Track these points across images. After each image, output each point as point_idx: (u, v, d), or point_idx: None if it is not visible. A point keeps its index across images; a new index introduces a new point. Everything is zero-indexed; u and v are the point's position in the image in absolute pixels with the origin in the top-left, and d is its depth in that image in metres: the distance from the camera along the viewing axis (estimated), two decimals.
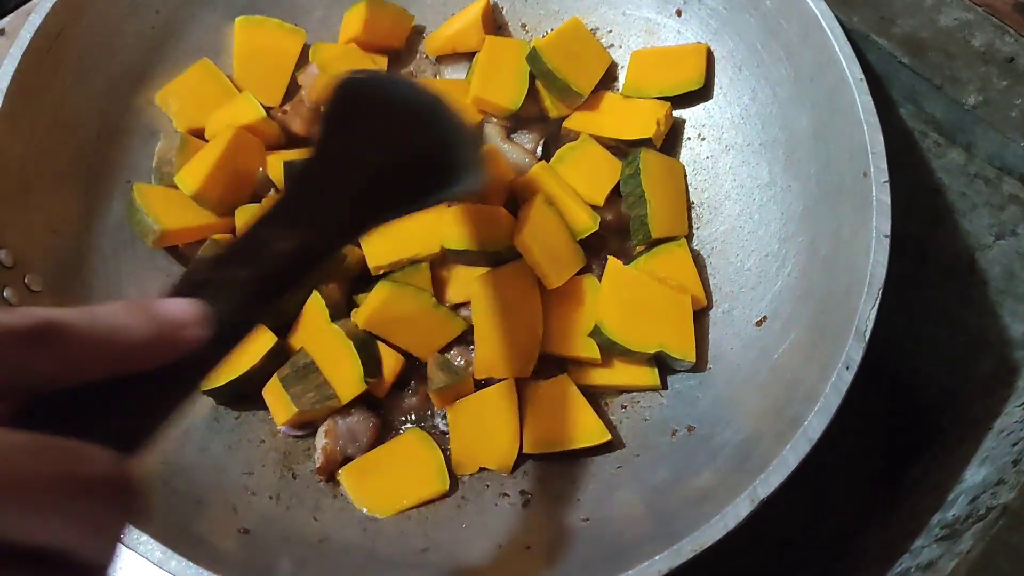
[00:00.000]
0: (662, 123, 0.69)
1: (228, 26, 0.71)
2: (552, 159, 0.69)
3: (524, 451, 0.61)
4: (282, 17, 0.73)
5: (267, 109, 0.69)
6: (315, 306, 0.62)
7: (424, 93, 0.51)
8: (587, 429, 0.61)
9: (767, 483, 0.48)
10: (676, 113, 0.72)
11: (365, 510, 0.59)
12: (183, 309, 0.30)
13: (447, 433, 0.63)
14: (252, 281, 0.35)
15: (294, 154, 0.68)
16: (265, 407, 0.62)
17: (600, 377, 0.63)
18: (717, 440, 0.57)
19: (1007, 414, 0.61)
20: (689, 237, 0.68)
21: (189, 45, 0.70)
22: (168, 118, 0.69)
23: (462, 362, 0.63)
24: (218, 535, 0.53)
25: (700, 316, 0.65)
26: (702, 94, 0.71)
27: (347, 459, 0.61)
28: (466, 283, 0.64)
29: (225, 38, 0.72)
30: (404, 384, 0.65)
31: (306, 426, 0.62)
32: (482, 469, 0.61)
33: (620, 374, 0.63)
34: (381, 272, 0.65)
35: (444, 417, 0.64)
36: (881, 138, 0.56)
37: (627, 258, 0.67)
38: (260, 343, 0.61)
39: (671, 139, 0.72)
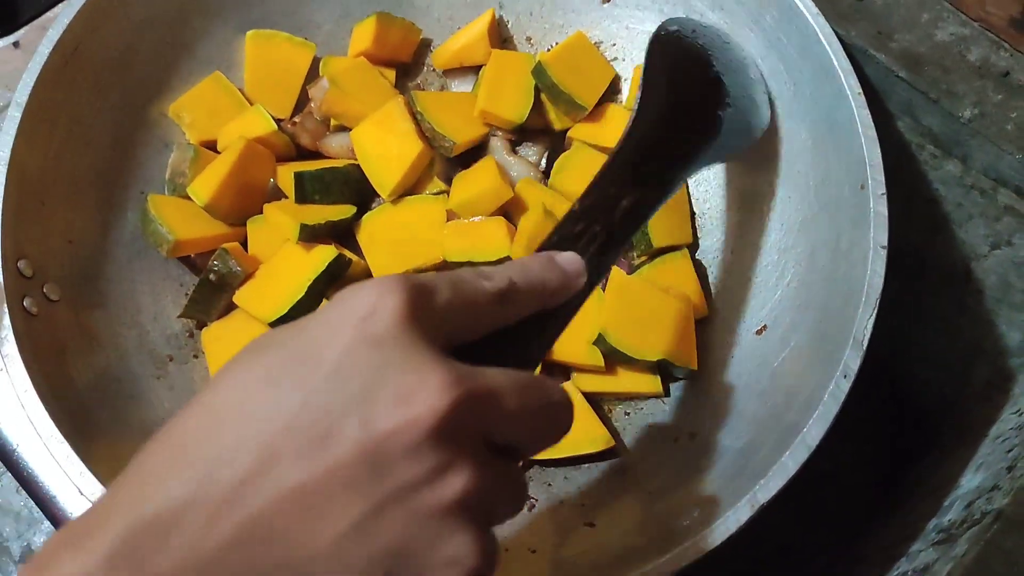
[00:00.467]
0: None
1: (239, 40, 0.73)
2: (552, 170, 0.71)
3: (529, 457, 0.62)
4: (292, 31, 0.74)
5: (277, 121, 0.71)
6: None
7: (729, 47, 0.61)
8: (591, 435, 0.62)
9: (767, 488, 0.49)
10: None
11: None
12: (573, 263, 0.40)
13: None
14: (605, 233, 0.43)
15: (304, 165, 0.69)
16: None
17: (604, 384, 0.64)
18: (718, 446, 0.58)
19: (1002, 421, 0.62)
20: (692, 247, 0.70)
21: (201, 59, 0.72)
22: (181, 130, 0.71)
23: None
24: None
25: (701, 325, 0.66)
26: None
27: None
28: None
29: (236, 52, 0.73)
30: None
31: None
32: None
33: (623, 381, 0.64)
34: None
35: None
36: (879, 151, 0.57)
37: (630, 268, 0.68)
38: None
39: None
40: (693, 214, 0.72)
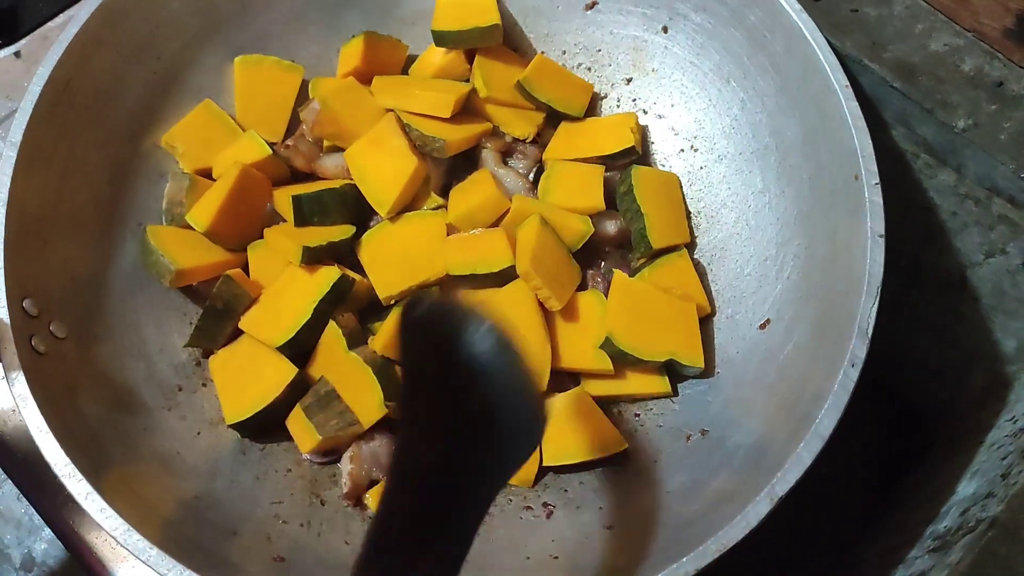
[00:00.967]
0: (635, 131, 0.72)
1: (228, 66, 0.73)
2: (539, 190, 0.71)
3: (544, 464, 0.63)
4: (279, 54, 0.75)
5: (271, 145, 0.71)
6: (332, 335, 0.64)
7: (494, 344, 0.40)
8: (605, 439, 0.62)
9: (784, 481, 0.50)
10: (668, 125, 0.75)
11: None
12: None
13: None
14: None
15: (300, 188, 0.69)
16: (289, 437, 0.64)
17: (614, 387, 0.65)
18: (731, 442, 0.59)
19: (998, 427, 0.63)
20: (691, 246, 0.70)
21: (191, 87, 0.72)
22: (175, 160, 0.71)
23: None
24: (255, 564, 0.55)
25: (705, 322, 0.67)
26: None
27: (373, 482, 0.62)
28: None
29: (225, 78, 0.73)
30: None
31: (330, 453, 0.63)
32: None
33: (633, 383, 0.65)
34: (392, 301, 0.66)
35: None
36: (870, 141, 0.58)
37: (630, 271, 0.69)
38: (281, 375, 0.62)
39: (663, 151, 0.75)
40: (689, 213, 0.72)
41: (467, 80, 0.75)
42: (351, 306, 0.67)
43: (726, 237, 0.70)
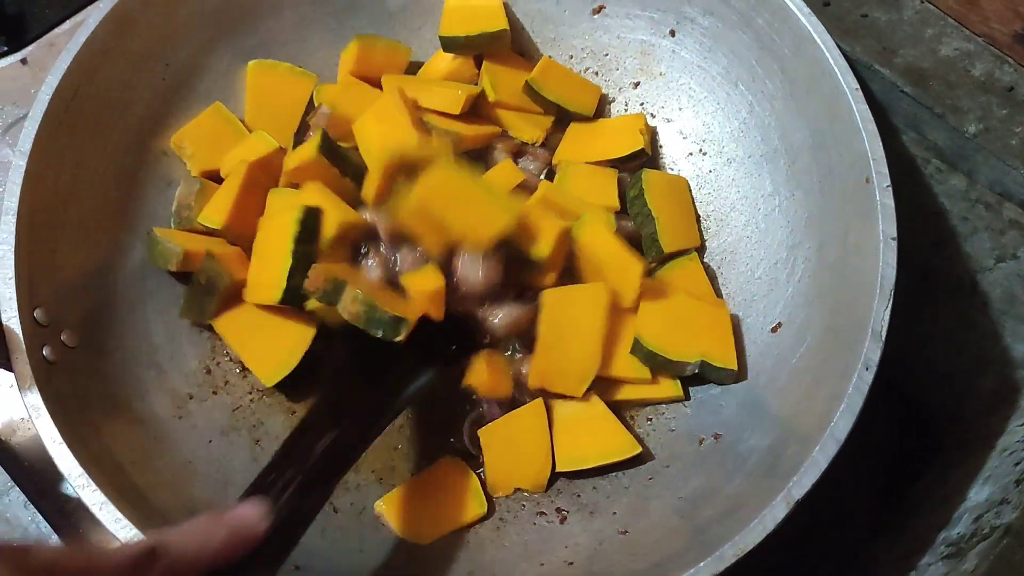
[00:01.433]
0: (644, 132, 0.72)
1: (236, 72, 0.73)
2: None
3: (557, 469, 0.63)
4: (286, 60, 0.74)
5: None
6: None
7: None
8: (617, 443, 0.62)
9: (801, 485, 0.50)
10: (676, 129, 0.75)
11: (408, 539, 0.60)
12: (248, 510, 0.41)
13: (478, 457, 0.64)
14: (300, 476, 0.45)
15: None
16: None
17: (626, 392, 0.65)
18: (744, 446, 0.59)
19: (1009, 433, 0.63)
20: (701, 249, 0.70)
21: (199, 93, 0.72)
22: (183, 166, 0.71)
23: (521, 370, 0.64)
24: None
25: None
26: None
27: None
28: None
29: (233, 84, 0.73)
30: None
31: None
32: (517, 490, 0.63)
33: (645, 388, 0.65)
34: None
35: (475, 441, 0.65)
36: (880, 144, 0.58)
37: None
38: (303, 332, 0.64)
39: (671, 155, 0.75)
40: (698, 217, 0.72)
41: (475, 84, 0.75)
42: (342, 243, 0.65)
43: (736, 240, 0.70)
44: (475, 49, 0.74)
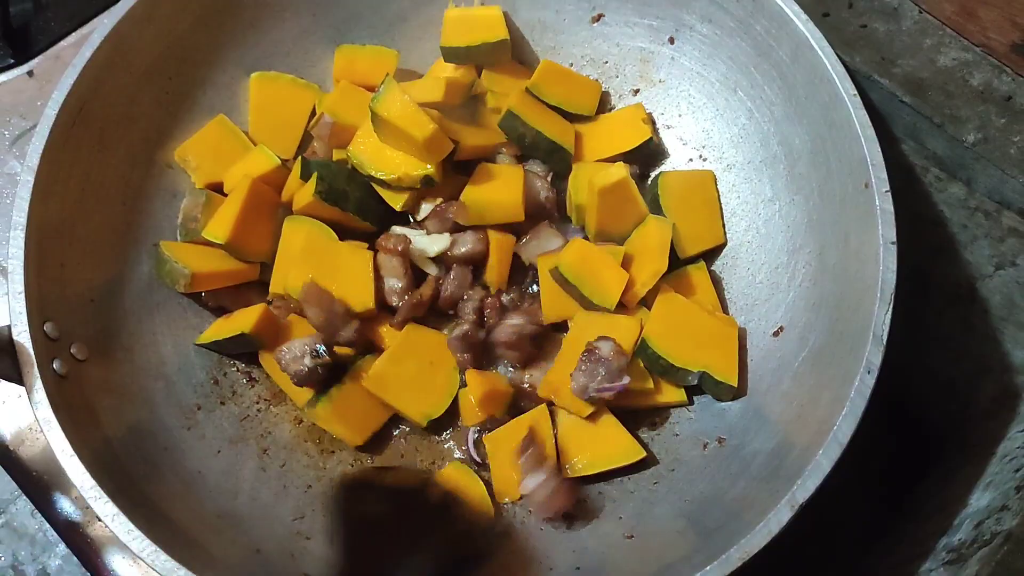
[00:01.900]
0: (646, 121, 0.73)
1: (238, 85, 0.74)
2: (568, 190, 0.72)
3: (562, 475, 0.63)
4: (288, 71, 0.75)
5: (282, 162, 0.71)
6: None
7: None
8: (622, 448, 0.63)
9: (805, 488, 0.51)
10: (676, 135, 0.75)
11: None
12: None
13: (484, 464, 0.65)
14: None
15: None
16: (307, 453, 0.64)
17: (630, 397, 0.65)
18: (748, 450, 0.60)
19: (1010, 439, 0.64)
20: (713, 252, 0.71)
21: (203, 106, 0.72)
22: (188, 179, 0.71)
23: (522, 380, 0.66)
24: None
25: None
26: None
27: None
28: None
29: (236, 96, 0.74)
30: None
31: None
32: (524, 496, 0.63)
33: (649, 393, 0.65)
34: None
35: (480, 448, 0.66)
36: (879, 149, 0.59)
37: None
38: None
39: (672, 161, 0.75)
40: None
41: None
42: None
43: (737, 245, 0.71)
44: (476, 59, 0.74)
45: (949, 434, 0.76)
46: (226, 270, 0.68)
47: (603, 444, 0.64)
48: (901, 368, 0.75)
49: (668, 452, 0.64)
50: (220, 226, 0.67)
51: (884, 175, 0.58)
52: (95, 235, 0.65)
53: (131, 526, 0.50)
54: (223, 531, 0.57)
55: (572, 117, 0.75)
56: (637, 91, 0.77)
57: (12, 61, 0.78)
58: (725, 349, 0.64)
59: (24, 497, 0.67)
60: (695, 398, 0.66)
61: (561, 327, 0.69)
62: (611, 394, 0.61)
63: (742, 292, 0.69)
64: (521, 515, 0.63)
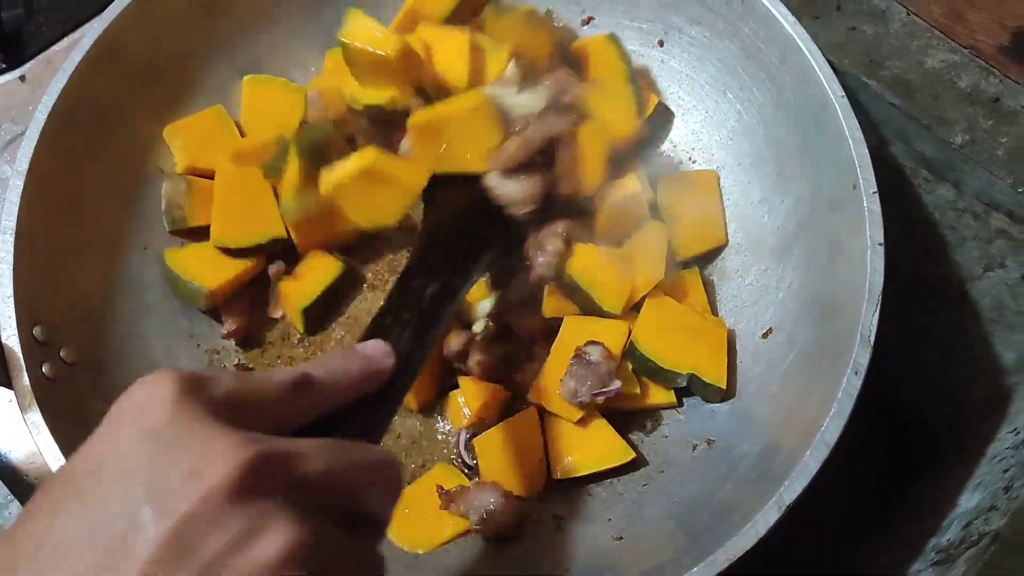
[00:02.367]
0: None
1: (229, 88, 0.74)
2: None
3: (552, 477, 0.63)
4: (279, 73, 0.75)
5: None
6: None
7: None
8: (611, 450, 0.63)
9: (792, 489, 0.51)
10: (670, 138, 0.76)
11: (405, 547, 0.61)
12: (377, 348, 0.42)
13: (473, 466, 0.65)
14: (415, 319, 0.47)
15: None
16: None
17: (619, 399, 0.65)
18: (737, 452, 0.60)
19: (999, 440, 0.64)
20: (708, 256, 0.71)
21: (193, 109, 0.72)
22: (169, 159, 0.71)
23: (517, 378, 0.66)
24: None
25: None
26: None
27: None
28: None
29: (227, 100, 0.74)
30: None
31: None
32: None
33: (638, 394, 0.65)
34: None
35: (470, 450, 0.66)
36: (867, 151, 0.59)
37: None
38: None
39: (667, 164, 0.76)
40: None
41: None
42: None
43: (726, 248, 0.71)
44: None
45: (940, 436, 0.76)
46: (236, 275, 0.69)
47: (593, 446, 0.64)
48: (892, 370, 0.76)
49: (658, 454, 0.64)
50: (209, 218, 0.68)
51: (872, 177, 0.58)
52: (86, 238, 0.65)
53: None
54: None
55: None
56: None
57: (4, 66, 0.78)
58: (714, 351, 0.64)
59: (17, 502, 0.67)
60: (684, 400, 0.66)
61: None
62: (602, 399, 0.61)
63: (731, 294, 0.69)
64: None
